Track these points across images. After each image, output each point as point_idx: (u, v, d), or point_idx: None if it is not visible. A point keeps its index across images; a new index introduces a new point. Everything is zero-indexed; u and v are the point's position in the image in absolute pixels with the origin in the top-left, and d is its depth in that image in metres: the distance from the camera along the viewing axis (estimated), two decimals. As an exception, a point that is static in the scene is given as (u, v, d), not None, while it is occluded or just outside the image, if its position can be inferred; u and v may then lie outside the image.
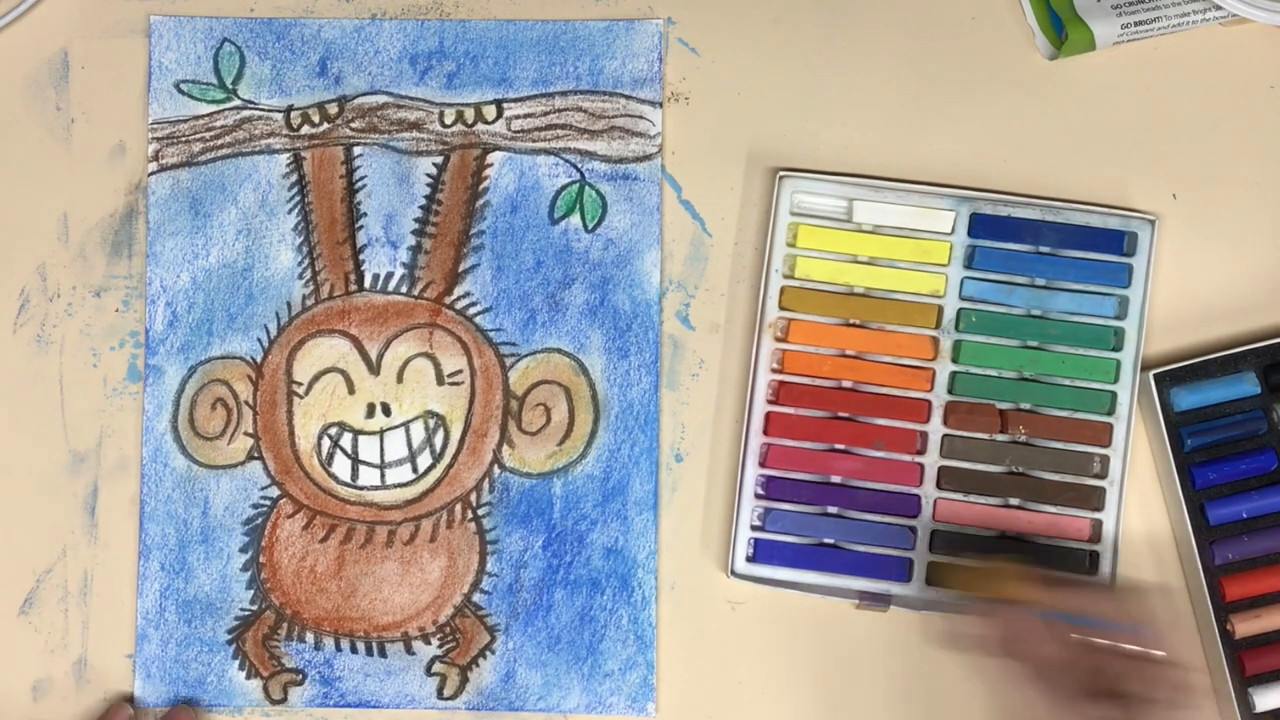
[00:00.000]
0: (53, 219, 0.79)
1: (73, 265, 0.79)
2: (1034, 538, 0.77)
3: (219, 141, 0.79)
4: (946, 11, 0.79)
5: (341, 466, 0.78)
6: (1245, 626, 0.76)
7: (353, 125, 0.79)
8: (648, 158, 0.79)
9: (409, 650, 0.78)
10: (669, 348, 0.78)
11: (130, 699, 0.77)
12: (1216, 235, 0.78)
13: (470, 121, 0.79)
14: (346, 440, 0.78)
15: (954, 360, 0.77)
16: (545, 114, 0.79)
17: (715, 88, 0.79)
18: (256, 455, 0.78)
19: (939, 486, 0.77)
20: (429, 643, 0.78)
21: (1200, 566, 0.76)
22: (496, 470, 0.78)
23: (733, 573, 0.76)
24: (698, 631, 0.78)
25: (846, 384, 0.77)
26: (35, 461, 0.78)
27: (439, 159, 0.79)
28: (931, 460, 0.77)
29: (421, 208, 0.79)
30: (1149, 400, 0.76)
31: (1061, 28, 0.76)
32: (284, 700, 0.78)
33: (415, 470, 0.78)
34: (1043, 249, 0.77)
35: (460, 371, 0.78)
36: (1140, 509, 0.78)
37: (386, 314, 0.78)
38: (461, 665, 0.78)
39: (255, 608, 0.78)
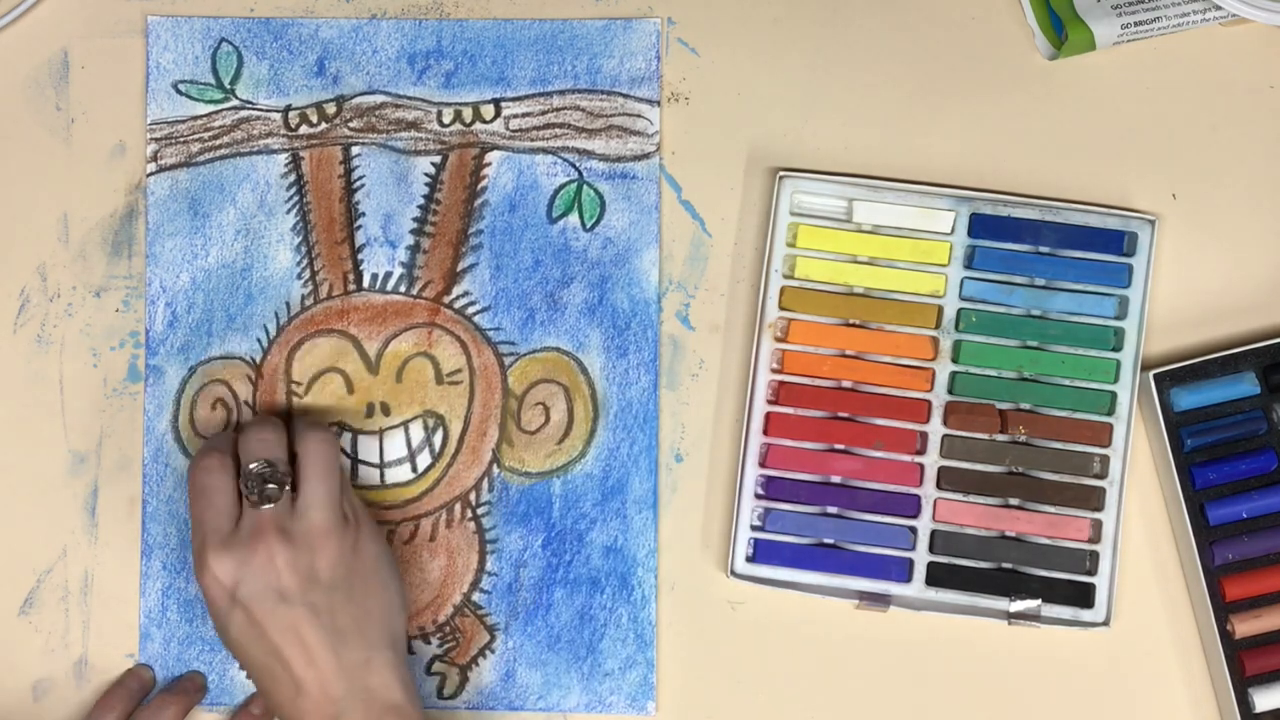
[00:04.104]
0: (53, 219, 0.79)
1: (73, 265, 0.79)
2: (1034, 538, 0.77)
3: (217, 142, 0.79)
4: (946, 11, 0.78)
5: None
6: (1245, 626, 0.75)
7: (351, 125, 0.79)
8: (646, 156, 0.78)
9: (409, 650, 0.78)
10: (669, 347, 0.78)
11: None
12: (1216, 235, 0.78)
13: (468, 121, 0.79)
14: (345, 440, 0.78)
15: (954, 360, 0.77)
16: (543, 113, 0.79)
17: (715, 88, 0.79)
18: (256, 455, 0.78)
19: (939, 486, 0.77)
20: (429, 642, 0.78)
21: (1200, 566, 0.75)
22: (495, 469, 0.78)
23: (733, 573, 0.76)
24: (698, 631, 0.78)
25: (846, 384, 0.77)
26: (35, 461, 0.78)
27: (437, 158, 0.79)
28: (931, 460, 0.77)
29: (420, 207, 0.79)
30: (1149, 400, 0.76)
31: (1061, 28, 0.76)
32: (284, 699, 0.78)
33: (414, 470, 0.78)
34: (1043, 249, 0.77)
35: (459, 371, 0.78)
36: (1140, 509, 0.78)
37: (385, 313, 0.78)
38: (461, 665, 0.78)
39: (255, 607, 0.78)
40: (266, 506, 0.71)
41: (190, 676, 0.78)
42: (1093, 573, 0.76)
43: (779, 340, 0.77)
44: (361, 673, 0.70)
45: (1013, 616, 0.76)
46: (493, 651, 0.78)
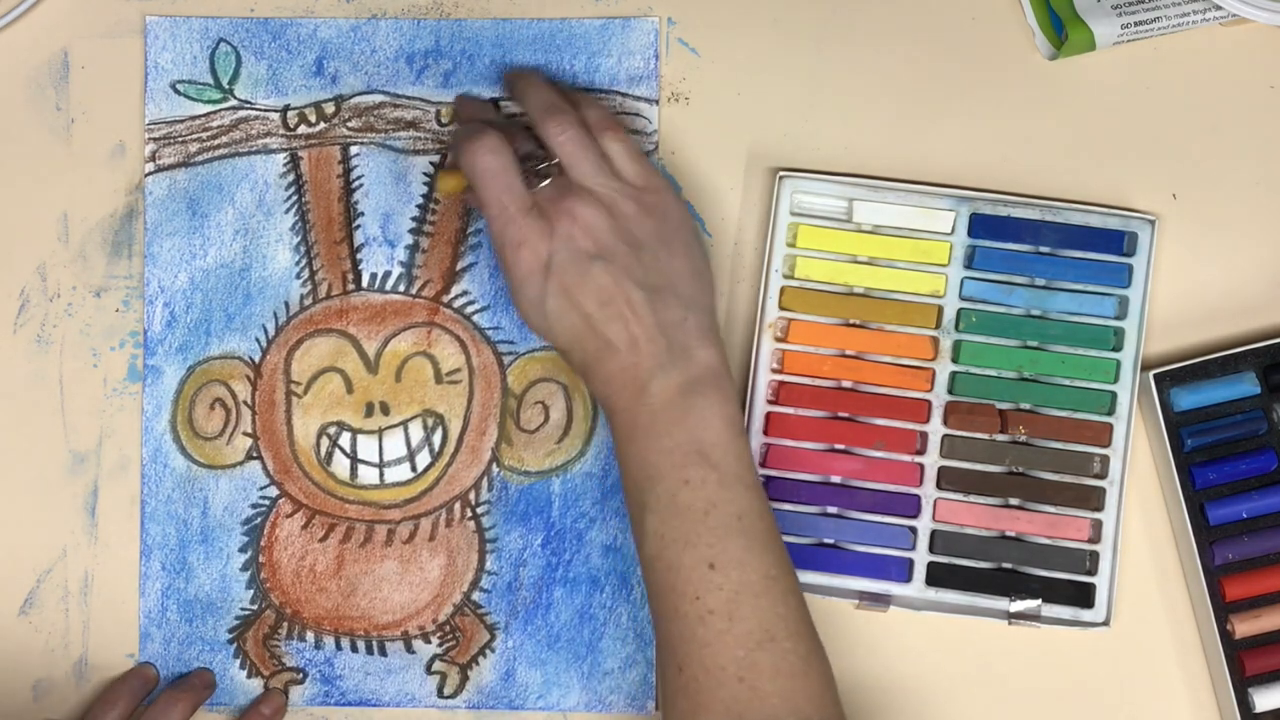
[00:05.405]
0: (53, 219, 0.79)
1: (73, 265, 0.79)
2: (1034, 538, 0.77)
3: (215, 142, 0.79)
4: (946, 11, 0.78)
5: (340, 465, 0.78)
6: (1245, 626, 0.75)
7: (349, 124, 0.79)
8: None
9: (409, 649, 0.78)
10: (668, 347, 0.78)
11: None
12: (1216, 235, 0.78)
13: (468, 121, 0.79)
14: (345, 439, 0.78)
15: (954, 360, 0.77)
16: (543, 113, 0.79)
17: (715, 88, 0.78)
18: (255, 455, 0.78)
19: (939, 486, 0.77)
20: (429, 641, 0.78)
21: (1200, 566, 0.75)
22: (495, 469, 0.78)
23: (732, 573, 0.76)
24: (697, 631, 0.78)
25: (846, 384, 0.77)
26: (35, 461, 0.78)
27: (436, 158, 0.79)
28: (931, 460, 0.77)
29: (419, 206, 0.79)
30: (1149, 400, 0.76)
31: (1061, 28, 0.76)
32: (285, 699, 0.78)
33: (414, 469, 0.78)
34: (1043, 249, 0.77)
35: (458, 370, 0.78)
36: (1140, 509, 0.78)
37: (384, 313, 0.78)
38: (461, 664, 0.78)
39: (255, 607, 0.78)
40: (560, 175, 0.71)
41: (199, 673, 0.78)
42: (1093, 573, 0.76)
43: (779, 340, 0.77)
44: (679, 332, 0.69)
45: (1013, 616, 0.76)
46: (493, 651, 0.78)
